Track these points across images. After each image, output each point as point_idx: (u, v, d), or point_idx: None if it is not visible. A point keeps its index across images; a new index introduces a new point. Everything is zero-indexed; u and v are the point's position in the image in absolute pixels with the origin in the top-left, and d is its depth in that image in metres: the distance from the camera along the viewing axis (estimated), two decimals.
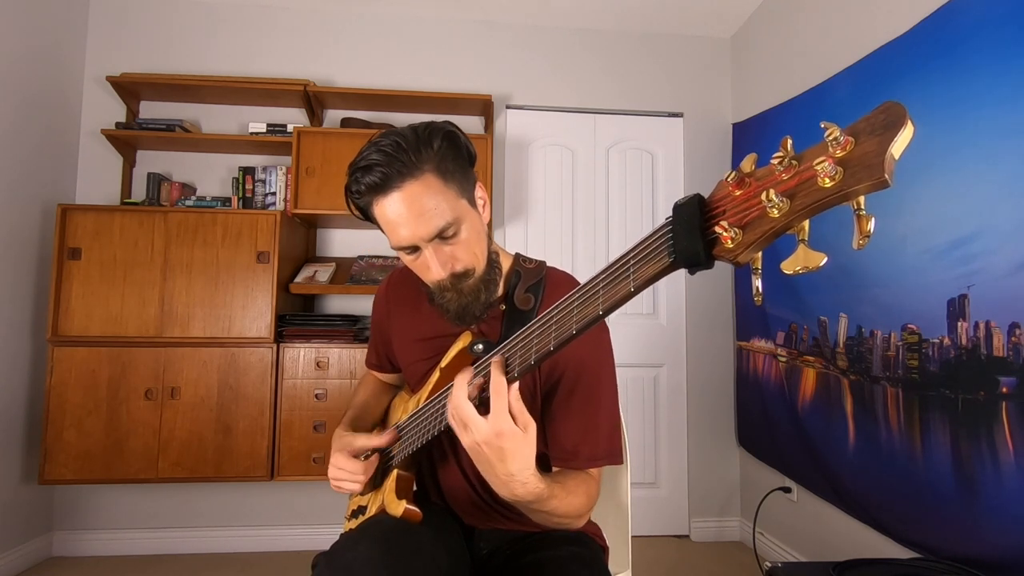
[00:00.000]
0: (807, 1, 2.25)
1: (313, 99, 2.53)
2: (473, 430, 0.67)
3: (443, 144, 0.82)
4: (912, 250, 1.58)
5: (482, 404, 0.69)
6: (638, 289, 0.55)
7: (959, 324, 1.45)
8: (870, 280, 1.75)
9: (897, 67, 1.69)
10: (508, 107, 2.74)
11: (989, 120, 1.39)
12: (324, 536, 2.41)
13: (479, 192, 0.90)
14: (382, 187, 0.80)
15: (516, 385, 0.67)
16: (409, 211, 0.79)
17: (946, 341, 1.49)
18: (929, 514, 1.53)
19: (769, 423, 2.35)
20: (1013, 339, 1.31)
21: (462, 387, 0.69)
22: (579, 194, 2.77)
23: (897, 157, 0.40)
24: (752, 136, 2.55)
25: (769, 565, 1.45)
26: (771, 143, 2.36)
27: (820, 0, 2.16)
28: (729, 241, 0.48)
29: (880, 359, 1.72)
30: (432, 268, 0.84)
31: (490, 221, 2.49)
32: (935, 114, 1.52)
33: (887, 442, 1.69)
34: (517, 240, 2.73)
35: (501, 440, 0.66)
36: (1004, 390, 1.33)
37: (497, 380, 0.66)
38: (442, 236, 0.82)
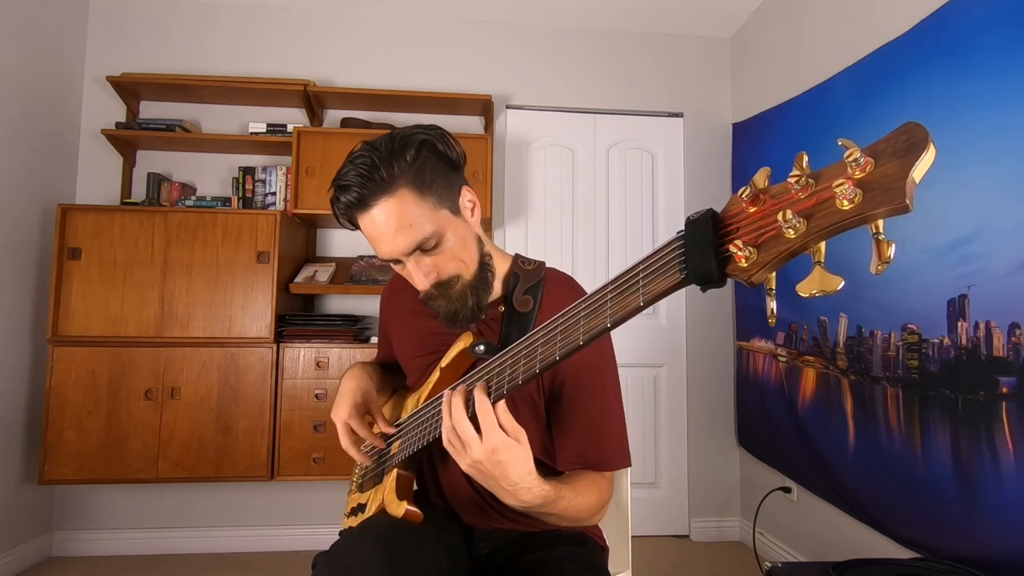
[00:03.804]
0: (807, 1, 2.25)
1: (313, 99, 2.53)
2: (472, 450, 0.69)
3: (418, 154, 0.81)
4: (912, 250, 1.58)
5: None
6: (648, 303, 0.54)
7: (959, 324, 1.45)
8: (870, 280, 1.75)
9: (897, 67, 1.69)
10: (508, 107, 2.74)
11: (989, 120, 1.38)
12: (324, 536, 2.40)
13: (467, 196, 0.89)
14: (359, 205, 0.81)
15: (502, 402, 0.70)
16: (386, 227, 0.80)
17: (946, 341, 1.49)
18: (929, 514, 1.53)
19: (769, 423, 2.35)
20: (1013, 339, 1.31)
21: (459, 405, 0.71)
22: (579, 194, 2.77)
23: (918, 181, 0.38)
24: (752, 136, 2.55)
25: (769, 565, 1.45)
26: (771, 143, 2.37)
27: (820, 0, 2.16)
28: (743, 260, 0.46)
29: (880, 359, 1.71)
30: (416, 279, 0.85)
31: (490, 220, 2.50)
32: (935, 114, 1.52)
33: (887, 442, 1.69)
34: (517, 240, 2.72)
35: (497, 455, 0.69)
36: (1004, 390, 1.33)
37: (480, 401, 0.69)
38: (422, 249, 0.83)
